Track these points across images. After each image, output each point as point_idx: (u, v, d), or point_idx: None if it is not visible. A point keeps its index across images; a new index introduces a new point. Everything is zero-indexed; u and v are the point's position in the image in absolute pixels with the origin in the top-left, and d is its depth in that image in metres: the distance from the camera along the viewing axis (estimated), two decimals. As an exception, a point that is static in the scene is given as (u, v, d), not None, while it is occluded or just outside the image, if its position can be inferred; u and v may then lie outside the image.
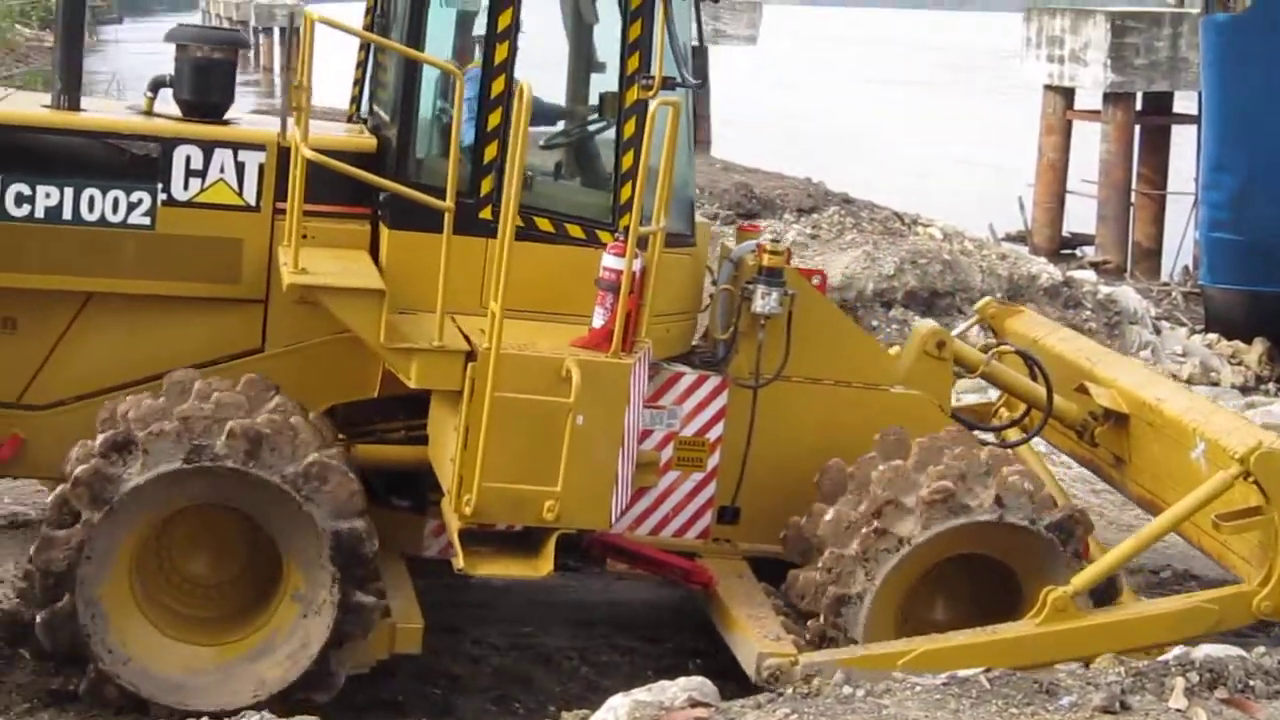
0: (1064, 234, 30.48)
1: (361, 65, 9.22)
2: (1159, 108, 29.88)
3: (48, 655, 7.40)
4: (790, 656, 7.71)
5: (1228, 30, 21.14)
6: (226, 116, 8.26)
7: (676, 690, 6.60)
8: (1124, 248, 28.99)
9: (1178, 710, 6.13)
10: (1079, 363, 9.70)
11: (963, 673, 6.54)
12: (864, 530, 7.99)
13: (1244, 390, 18.36)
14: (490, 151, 7.83)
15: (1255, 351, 19.91)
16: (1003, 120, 49.87)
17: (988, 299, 11.52)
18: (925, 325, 9.48)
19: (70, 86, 8.07)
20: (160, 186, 7.86)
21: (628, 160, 7.84)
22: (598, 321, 7.41)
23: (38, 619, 7.23)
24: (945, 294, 17.88)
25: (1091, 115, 30.13)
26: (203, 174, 7.91)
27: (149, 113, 8.21)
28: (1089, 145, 30.42)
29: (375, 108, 8.80)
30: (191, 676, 7.40)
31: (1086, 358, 9.80)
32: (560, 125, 8.92)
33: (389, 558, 8.04)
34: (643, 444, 8.27)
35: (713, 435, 8.67)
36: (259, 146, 7.96)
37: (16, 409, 8.00)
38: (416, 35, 7.88)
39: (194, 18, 66.76)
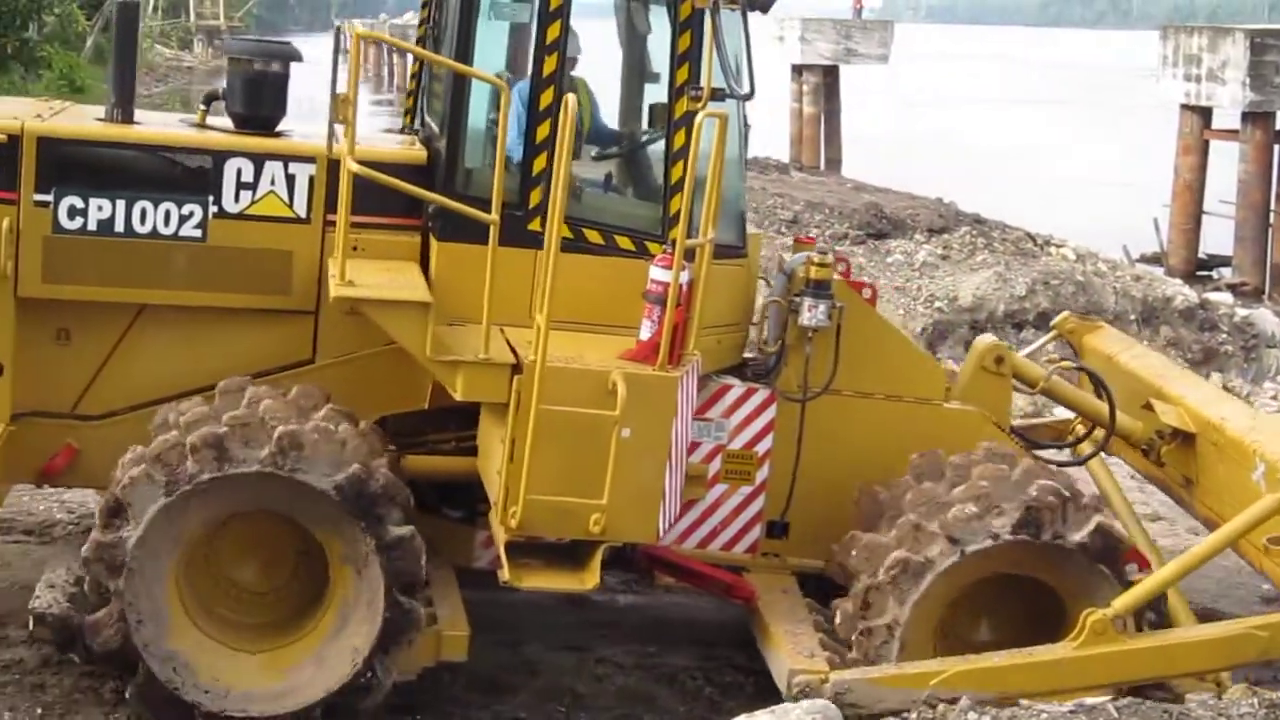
0: (1200, 255, 30.21)
1: (416, 76, 9.29)
2: (1299, 127, 29.57)
3: (97, 659, 7.46)
4: (821, 674, 7.59)
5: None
6: (279, 129, 8.31)
7: (800, 713, 6.63)
8: (1262, 269, 28.72)
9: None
10: (1149, 379, 9.48)
11: (1089, 700, 6.41)
12: (891, 557, 7.80)
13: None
14: (539, 163, 7.84)
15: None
16: (1138, 140, 49.04)
17: (1065, 313, 11.24)
18: (985, 340, 9.35)
19: (123, 100, 8.16)
20: (212, 199, 7.93)
21: (677, 171, 7.82)
22: (645, 334, 7.38)
23: (86, 623, 7.31)
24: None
25: (1229, 135, 29.81)
26: (253, 186, 7.97)
27: (201, 125, 8.30)
28: (1227, 165, 30.06)
29: (428, 119, 8.84)
30: (239, 681, 7.44)
31: (1157, 374, 9.59)
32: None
33: (438, 566, 8.06)
34: (691, 456, 8.22)
35: (761, 449, 8.60)
36: (309, 159, 8.01)
37: (70, 419, 8.09)
38: (465, 48, 7.92)
39: (326, 38, 67.13)
